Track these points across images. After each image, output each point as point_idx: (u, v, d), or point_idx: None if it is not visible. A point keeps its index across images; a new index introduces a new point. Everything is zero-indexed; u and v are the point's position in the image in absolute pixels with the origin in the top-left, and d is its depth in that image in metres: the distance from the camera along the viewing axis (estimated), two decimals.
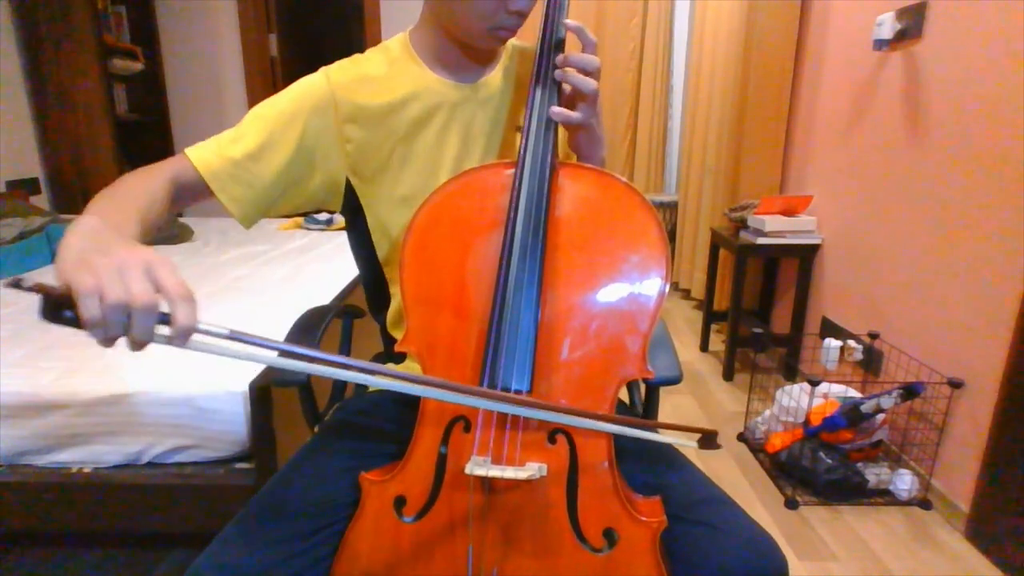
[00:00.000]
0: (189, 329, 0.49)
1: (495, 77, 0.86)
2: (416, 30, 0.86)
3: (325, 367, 0.56)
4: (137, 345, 0.49)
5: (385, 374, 0.58)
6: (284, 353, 0.54)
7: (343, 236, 2.72)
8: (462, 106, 0.84)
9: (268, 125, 0.80)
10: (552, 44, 0.75)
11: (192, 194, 0.78)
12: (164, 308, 0.49)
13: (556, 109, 0.72)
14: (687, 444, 0.72)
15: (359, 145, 0.83)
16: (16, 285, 0.46)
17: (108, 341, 0.49)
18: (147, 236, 0.64)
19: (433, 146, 0.84)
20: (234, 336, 0.51)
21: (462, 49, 0.83)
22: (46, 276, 2.03)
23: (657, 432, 0.70)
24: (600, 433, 0.67)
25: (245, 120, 0.81)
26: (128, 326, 0.48)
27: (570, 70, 0.72)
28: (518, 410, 0.64)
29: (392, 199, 0.85)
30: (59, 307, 0.48)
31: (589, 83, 0.71)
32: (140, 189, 0.69)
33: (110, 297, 0.47)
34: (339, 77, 0.83)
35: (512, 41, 0.89)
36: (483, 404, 0.64)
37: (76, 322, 0.48)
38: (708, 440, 0.71)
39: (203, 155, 0.78)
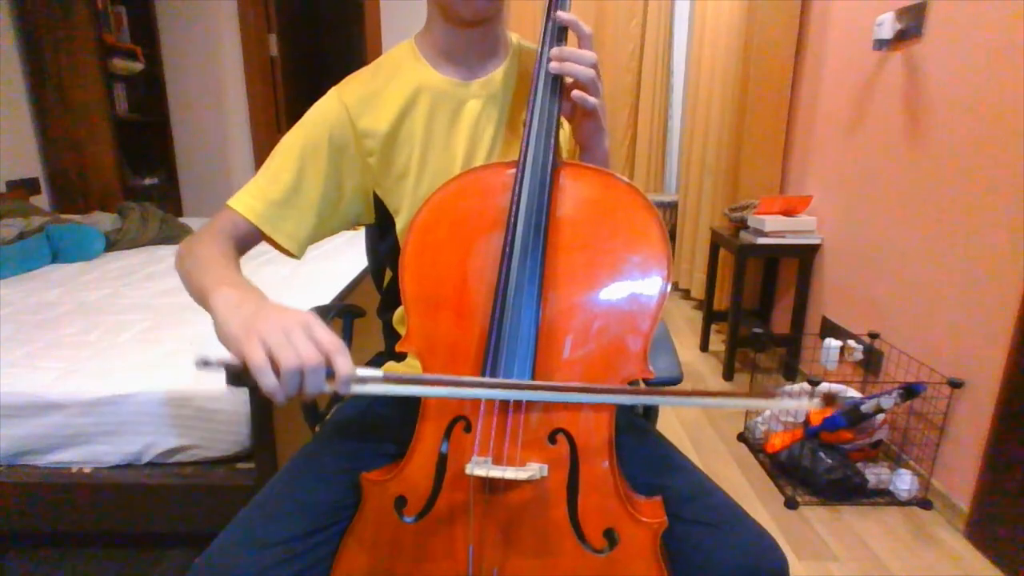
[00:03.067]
0: (351, 379, 0.55)
1: (499, 74, 0.86)
2: (421, 33, 0.87)
3: (467, 389, 0.64)
4: (308, 398, 0.56)
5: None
6: (429, 383, 0.63)
7: (343, 236, 2.73)
8: (467, 102, 0.85)
9: (297, 158, 0.83)
10: (554, 42, 0.75)
11: (249, 242, 0.83)
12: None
13: (578, 92, 0.72)
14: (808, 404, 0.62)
15: (380, 157, 0.85)
16: (205, 364, 0.55)
17: (284, 399, 0.54)
18: None
19: (444, 146, 0.85)
20: (388, 378, 0.59)
21: (461, 36, 0.83)
22: (51, 274, 2.03)
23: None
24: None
25: (274, 158, 0.84)
26: (302, 385, 0.54)
27: (567, 63, 0.71)
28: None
29: (417, 201, 0.85)
30: (240, 377, 0.55)
31: (587, 71, 0.71)
32: (222, 253, 0.74)
33: (285, 364, 0.53)
34: (350, 94, 0.85)
35: (517, 40, 0.89)
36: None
37: (261, 389, 0.54)
38: (830, 397, 0.62)
39: (248, 203, 0.81)
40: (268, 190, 0.82)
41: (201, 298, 0.66)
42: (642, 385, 1.00)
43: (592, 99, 0.73)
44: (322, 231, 0.87)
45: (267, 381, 0.53)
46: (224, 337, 0.57)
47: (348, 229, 0.92)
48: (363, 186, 0.87)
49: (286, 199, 0.82)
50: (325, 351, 0.54)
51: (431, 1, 0.83)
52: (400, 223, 0.88)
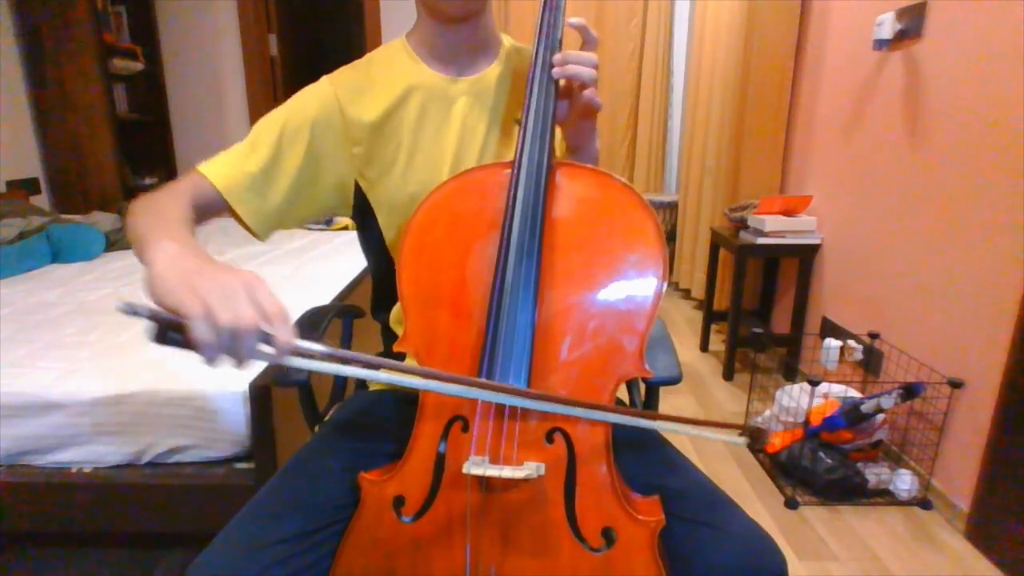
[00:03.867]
0: (290, 348, 0.52)
1: (491, 72, 0.87)
2: (412, 29, 0.88)
3: (415, 379, 0.61)
4: (241, 363, 0.52)
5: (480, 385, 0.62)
6: (372, 365, 0.57)
7: (343, 236, 2.73)
8: (458, 99, 0.85)
9: (277, 136, 0.81)
10: (549, 43, 0.75)
11: (210, 210, 0.79)
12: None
13: (588, 93, 0.72)
14: (736, 441, 0.69)
15: (367, 148, 0.84)
16: (131, 312, 0.50)
17: (214, 360, 0.51)
18: None
19: (433, 143, 0.85)
20: (332, 354, 0.55)
21: (450, 33, 0.83)
22: (51, 274, 2.03)
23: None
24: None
25: (254, 132, 0.82)
26: (236, 347, 0.51)
27: (569, 66, 0.72)
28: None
29: (402, 197, 0.85)
30: (169, 331, 0.51)
31: (590, 72, 0.72)
32: (176, 210, 0.70)
33: (221, 321, 0.49)
34: (342, 83, 0.85)
35: (510, 42, 0.90)
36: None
37: (185, 343, 0.51)
38: (756, 435, 0.69)
39: (218, 171, 0.79)
40: (241, 162, 0.80)
41: (140, 249, 0.60)
42: (641, 385, 1.01)
43: (599, 100, 0.73)
44: (291, 216, 0.85)
45: (200, 330, 0.49)
46: (159, 291, 0.52)
47: (320, 218, 0.91)
48: (343, 176, 0.86)
49: (258, 174, 0.80)
50: (266, 315, 0.51)
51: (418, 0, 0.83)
52: (382, 217, 0.88)
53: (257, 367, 1.23)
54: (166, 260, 0.55)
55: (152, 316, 0.51)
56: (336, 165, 0.85)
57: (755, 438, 0.68)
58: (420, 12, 0.85)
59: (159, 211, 0.68)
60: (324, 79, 0.85)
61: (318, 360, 0.55)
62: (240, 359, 0.51)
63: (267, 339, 0.52)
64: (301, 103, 0.83)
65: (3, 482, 1.22)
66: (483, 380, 0.65)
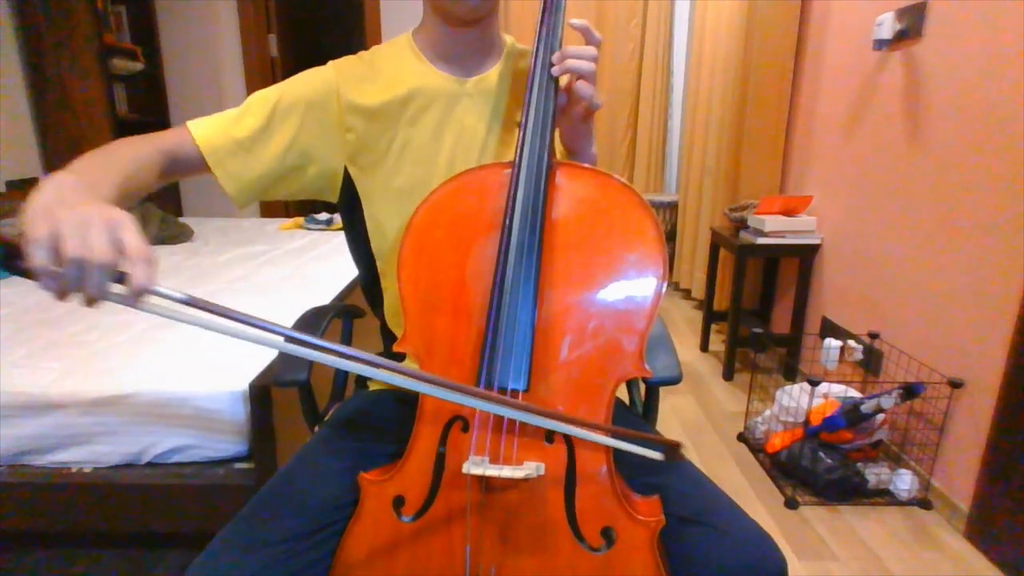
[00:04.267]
0: (144, 289, 0.49)
1: (494, 73, 0.86)
2: (418, 28, 0.88)
3: (285, 343, 0.55)
4: (90, 301, 0.49)
5: (340, 354, 0.56)
6: (241, 324, 0.52)
7: (343, 236, 2.73)
8: (460, 100, 0.85)
9: (270, 109, 0.81)
10: (550, 44, 0.75)
11: (187, 167, 0.78)
12: (124, 268, 0.50)
13: (583, 88, 0.72)
14: (652, 455, 0.68)
15: (360, 135, 0.84)
16: None
17: (61, 294, 0.49)
18: (125, 202, 0.64)
19: (430, 138, 0.85)
20: (190, 301, 0.51)
21: (456, 35, 0.83)
22: None
23: (621, 441, 0.66)
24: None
25: (249, 101, 0.83)
26: (82, 281, 0.48)
27: (569, 61, 0.72)
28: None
29: (389, 190, 0.85)
30: (16, 256, 0.48)
31: (589, 65, 0.72)
32: (129, 155, 0.69)
33: (67, 250, 0.47)
34: (345, 69, 0.85)
35: (512, 42, 0.90)
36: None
37: (28, 272, 0.48)
38: (672, 452, 0.68)
39: (204, 130, 0.79)
40: (230, 127, 0.80)
41: None
42: (641, 385, 1.01)
43: (598, 100, 0.73)
44: (272, 190, 0.85)
45: (39, 256, 0.47)
46: (22, 216, 0.50)
47: (306, 197, 0.90)
48: (333, 161, 0.85)
49: (243, 143, 0.80)
50: (128, 255, 0.49)
51: (426, 0, 0.83)
52: (367, 207, 0.87)
53: (254, 368, 1.23)
54: (48, 188, 0.53)
55: None
56: (326, 149, 0.84)
57: (672, 452, 0.68)
58: (427, 12, 0.84)
59: (110, 153, 0.68)
60: (329, 64, 0.86)
61: (177, 305, 0.51)
62: (88, 295, 0.49)
63: (121, 279, 0.49)
64: (300, 83, 0.84)
65: (3, 482, 1.22)
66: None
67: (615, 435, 0.66)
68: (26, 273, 0.48)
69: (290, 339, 0.55)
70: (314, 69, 0.85)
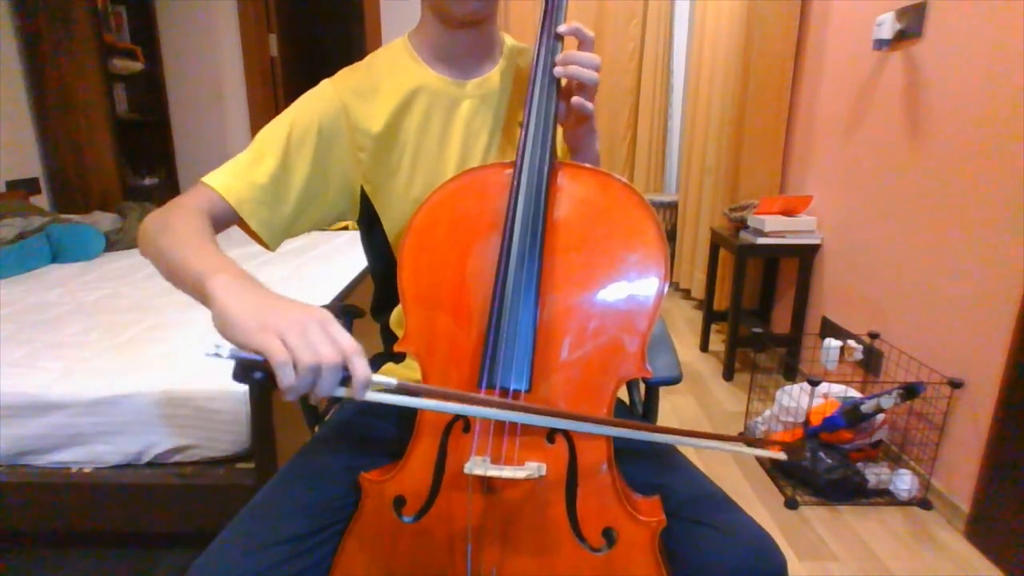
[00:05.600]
0: (367, 383, 0.53)
1: (495, 75, 0.86)
2: (415, 30, 0.87)
3: (478, 408, 0.62)
4: (319, 399, 0.53)
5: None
6: (439, 396, 0.60)
7: (343, 236, 2.73)
8: (462, 102, 0.85)
9: (283, 144, 0.79)
10: (551, 44, 0.75)
11: (222, 224, 0.77)
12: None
13: (577, 99, 0.72)
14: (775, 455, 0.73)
15: (372, 152, 0.84)
16: (217, 355, 0.52)
17: (296, 397, 0.52)
18: None
19: (438, 146, 0.85)
20: (401, 387, 0.56)
21: (456, 38, 0.83)
22: (51, 274, 2.03)
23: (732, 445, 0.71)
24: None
25: (258, 141, 0.80)
26: (316, 384, 0.52)
27: (572, 66, 0.72)
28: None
29: (406, 202, 0.85)
30: (252, 370, 0.53)
31: (592, 75, 0.72)
32: (202, 231, 0.69)
33: (304, 362, 0.50)
34: (345, 86, 0.83)
35: (511, 42, 0.89)
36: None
37: (267, 380, 0.52)
38: (797, 451, 0.71)
39: (227, 183, 0.76)
40: (250, 172, 0.78)
41: (190, 282, 0.60)
42: (642, 385, 1.01)
43: (590, 104, 0.73)
44: (301, 223, 0.84)
45: (287, 376, 0.51)
46: (231, 328, 0.53)
47: (329, 225, 0.89)
48: (350, 180, 0.85)
49: (268, 184, 0.78)
50: (343, 351, 0.52)
51: (425, 1, 0.82)
52: (387, 222, 0.87)
53: None
54: (230, 297, 0.55)
55: (236, 359, 0.53)
56: (343, 169, 0.84)
57: (794, 452, 0.69)
58: (425, 14, 0.84)
59: (190, 235, 0.67)
60: (326, 83, 0.84)
61: (391, 394, 0.56)
62: (318, 396, 0.53)
63: (345, 375, 0.53)
64: (305, 109, 0.82)
65: (3, 482, 1.22)
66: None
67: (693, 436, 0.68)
68: (263, 381, 0.53)
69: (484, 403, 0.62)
70: (313, 92, 0.83)
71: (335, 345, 0.52)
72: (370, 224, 0.89)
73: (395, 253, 0.90)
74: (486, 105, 0.85)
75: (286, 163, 0.79)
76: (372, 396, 0.55)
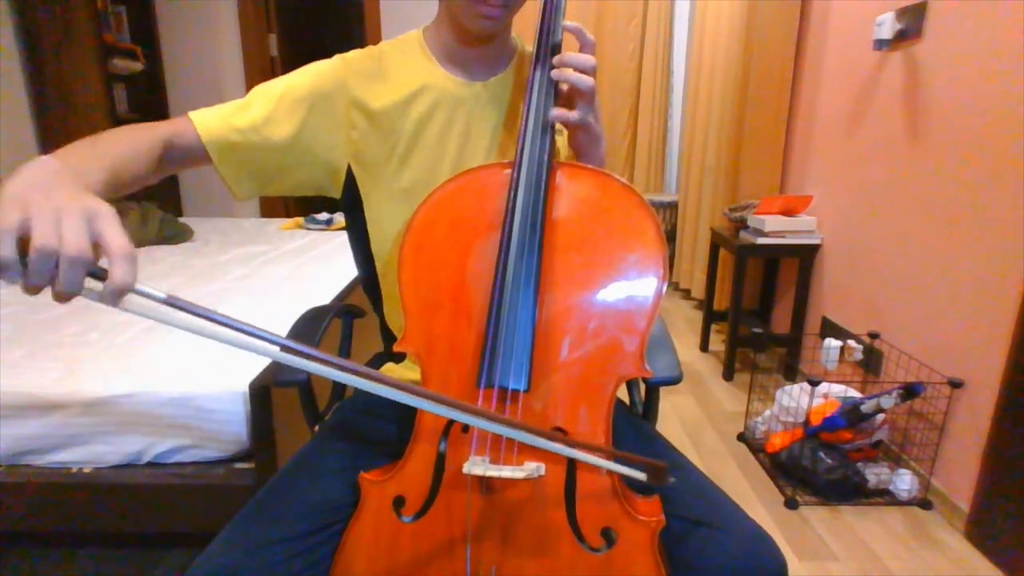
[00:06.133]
0: (124, 287, 0.45)
1: (505, 78, 0.86)
2: (430, 27, 0.87)
3: (257, 342, 0.51)
4: (61, 297, 0.45)
5: (341, 367, 0.53)
6: (220, 325, 0.49)
7: (343, 236, 2.73)
8: (467, 103, 0.85)
9: (275, 101, 0.80)
10: (549, 46, 0.75)
11: (186, 157, 0.76)
12: (103, 263, 0.46)
13: (555, 111, 0.73)
14: (636, 476, 0.64)
15: (364, 133, 0.84)
16: None
17: (31, 288, 0.45)
18: (116, 191, 0.61)
19: (436, 142, 0.84)
20: (171, 301, 0.47)
21: (469, 44, 0.83)
22: None
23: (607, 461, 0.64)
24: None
25: (254, 92, 0.81)
26: (52, 274, 0.44)
27: (567, 70, 0.72)
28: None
29: (392, 191, 0.85)
30: None
31: (587, 81, 0.72)
32: (124, 141, 0.66)
33: (38, 240, 0.43)
34: (354, 65, 0.84)
35: (523, 45, 0.90)
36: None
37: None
38: (657, 475, 0.64)
39: (206, 120, 0.77)
40: (232, 117, 0.78)
41: None
42: (641, 385, 1.01)
43: (573, 115, 0.72)
44: (274, 184, 0.83)
45: (3, 247, 0.43)
46: None
47: (305, 195, 0.89)
48: (337, 157, 0.84)
49: (245, 132, 0.77)
50: (107, 250, 0.45)
51: (443, 4, 0.82)
52: (369, 208, 0.87)
53: (253, 368, 1.23)
54: (27, 172, 0.49)
55: None
56: (331, 144, 0.83)
57: (656, 476, 0.65)
58: (442, 14, 0.84)
59: (104, 140, 0.64)
60: (337, 57, 0.84)
61: (158, 304, 0.47)
62: (57, 289, 0.45)
63: (99, 275, 0.46)
64: (307, 75, 0.82)
65: (3, 482, 1.22)
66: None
67: (611, 457, 0.64)
68: None
69: (285, 348, 0.52)
70: (322, 62, 0.84)
71: (89, 236, 0.45)
72: (353, 207, 0.89)
73: (371, 244, 0.89)
74: (492, 108, 0.85)
75: (271, 118, 0.79)
76: (139, 311, 0.47)
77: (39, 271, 0.44)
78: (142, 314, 0.47)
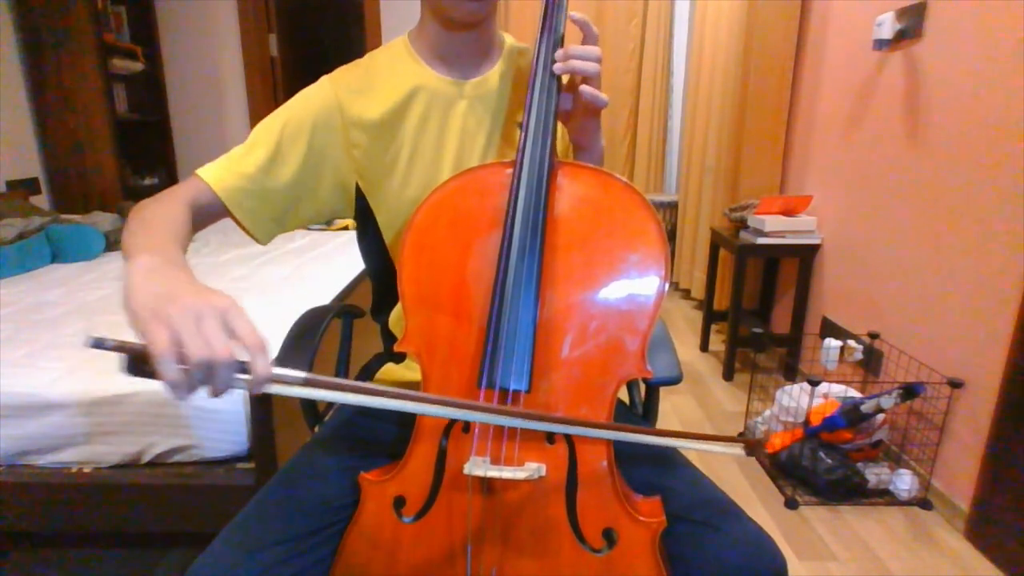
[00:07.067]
0: (267, 379, 0.50)
1: (494, 75, 0.86)
2: (414, 30, 0.87)
3: (398, 401, 0.58)
4: (216, 393, 0.50)
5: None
6: (358, 390, 0.56)
7: (343, 236, 2.73)
8: (459, 102, 0.85)
9: (276, 136, 0.80)
10: (552, 42, 0.75)
11: (209, 215, 0.78)
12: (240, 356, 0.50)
13: (588, 91, 0.72)
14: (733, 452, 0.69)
15: (366, 150, 0.84)
16: (99, 346, 0.47)
17: (183, 395, 0.48)
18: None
19: (435, 144, 0.85)
20: (310, 381, 0.53)
21: (456, 33, 0.83)
22: (51, 274, 2.03)
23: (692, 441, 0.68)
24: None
25: (253, 135, 0.82)
26: (208, 379, 0.48)
27: (573, 60, 0.71)
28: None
29: (401, 201, 0.85)
30: (142, 363, 0.48)
31: (594, 67, 0.71)
32: (168, 217, 0.68)
33: (194, 356, 0.47)
34: (343, 83, 0.84)
35: (512, 42, 0.89)
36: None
37: (155, 376, 0.48)
38: (753, 448, 0.69)
39: (215, 173, 0.78)
40: (240, 163, 0.79)
41: (125, 261, 0.58)
42: (642, 385, 1.01)
43: (604, 96, 0.73)
44: (293, 218, 0.84)
45: (167, 371, 0.46)
46: (129, 314, 0.50)
47: (324, 221, 0.90)
48: (344, 178, 0.85)
49: (255, 176, 0.79)
50: (245, 345, 0.49)
51: (424, 1, 0.83)
52: (382, 220, 0.88)
53: None
54: (138, 279, 0.53)
55: (119, 350, 0.48)
56: (337, 166, 0.84)
57: (755, 450, 0.68)
58: (425, 14, 0.84)
59: (150, 219, 0.66)
60: (324, 79, 0.85)
61: (298, 387, 0.53)
62: (215, 391, 0.49)
63: (244, 368, 0.49)
64: (301, 104, 0.83)
65: (3, 482, 1.22)
66: (481, 403, 0.64)
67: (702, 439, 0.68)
68: (153, 375, 0.48)
69: (410, 399, 0.58)
70: (311, 88, 0.84)
71: (231, 337, 0.49)
72: (365, 221, 0.89)
73: (390, 252, 0.90)
74: (484, 105, 0.85)
75: (277, 155, 0.80)
76: (278, 390, 0.52)
77: (200, 379, 0.48)
78: (282, 393, 0.53)
